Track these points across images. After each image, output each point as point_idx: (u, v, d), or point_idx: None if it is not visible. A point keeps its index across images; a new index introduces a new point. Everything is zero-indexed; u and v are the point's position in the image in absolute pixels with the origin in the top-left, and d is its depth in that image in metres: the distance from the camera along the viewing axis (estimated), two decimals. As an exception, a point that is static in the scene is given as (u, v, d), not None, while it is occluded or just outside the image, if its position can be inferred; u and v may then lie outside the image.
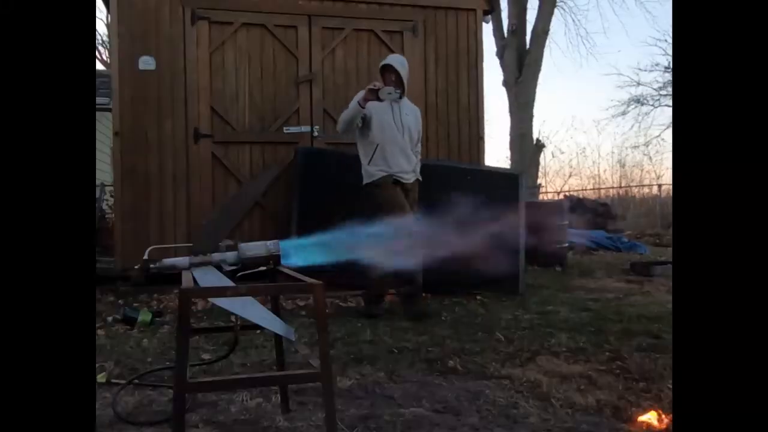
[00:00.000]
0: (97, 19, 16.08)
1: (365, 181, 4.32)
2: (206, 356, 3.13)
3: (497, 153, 31.21)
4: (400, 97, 4.24)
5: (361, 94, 4.17)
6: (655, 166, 23.98)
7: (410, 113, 4.41)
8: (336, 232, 2.01)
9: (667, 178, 16.76)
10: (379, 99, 4.12)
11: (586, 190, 18.27)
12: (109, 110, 5.67)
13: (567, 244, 7.61)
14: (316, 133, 5.40)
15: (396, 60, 4.39)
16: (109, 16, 5.41)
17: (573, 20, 25.39)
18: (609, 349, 3.26)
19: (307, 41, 5.42)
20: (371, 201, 4.19)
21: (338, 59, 5.53)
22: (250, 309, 1.88)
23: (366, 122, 4.29)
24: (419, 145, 4.56)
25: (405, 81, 4.32)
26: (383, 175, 4.26)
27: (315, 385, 2.38)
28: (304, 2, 5.43)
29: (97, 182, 8.20)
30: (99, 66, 16.05)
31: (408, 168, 4.34)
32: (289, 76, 5.41)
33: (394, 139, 4.27)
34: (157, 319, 4.08)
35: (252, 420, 2.27)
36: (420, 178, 4.46)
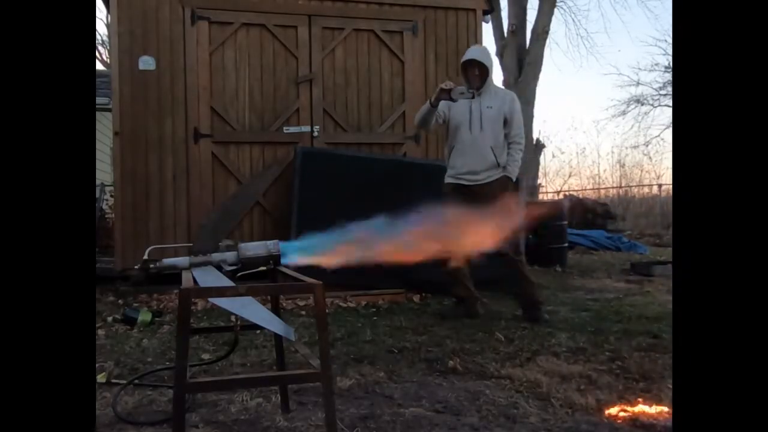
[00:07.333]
0: (97, 19, 16.08)
1: None
2: (206, 356, 3.13)
3: (497, 153, 31.07)
4: (473, 97, 3.98)
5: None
6: (655, 166, 23.99)
7: (494, 104, 4.09)
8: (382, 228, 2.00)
9: (667, 178, 16.75)
10: (451, 99, 3.91)
11: (586, 190, 18.27)
12: (109, 110, 5.66)
13: (567, 244, 7.61)
14: (316, 133, 5.40)
15: (477, 53, 4.11)
16: (109, 16, 5.41)
17: (573, 20, 25.36)
18: (609, 349, 3.26)
19: (307, 41, 5.42)
20: None
21: (338, 59, 5.52)
22: (250, 309, 1.88)
23: (447, 126, 4.19)
24: (516, 135, 4.15)
25: (491, 70, 4.08)
26: (446, 183, 4.17)
27: (315, 385, 2.38)
28: (304, 2, 5.43)
29: (97, 182, 8.20)
30: (99, 66, 16.05)
31: (478, 167, 4.06)
32: (289, 76, 5.41)
33: (465, 139, 4.08)
34: (157, 319, 4.08)
35: (252, 420, 2.27)
36: (510, 176, 4.10)
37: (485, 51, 4.18)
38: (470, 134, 4.08)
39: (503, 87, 4.39)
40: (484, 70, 4.08)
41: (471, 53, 4.13)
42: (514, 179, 4.14)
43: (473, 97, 4.00)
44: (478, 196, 3.98)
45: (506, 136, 4.15)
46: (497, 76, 14.30)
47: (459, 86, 3.96)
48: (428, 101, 4.06)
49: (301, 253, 2.00)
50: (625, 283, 6.00)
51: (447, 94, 3.90)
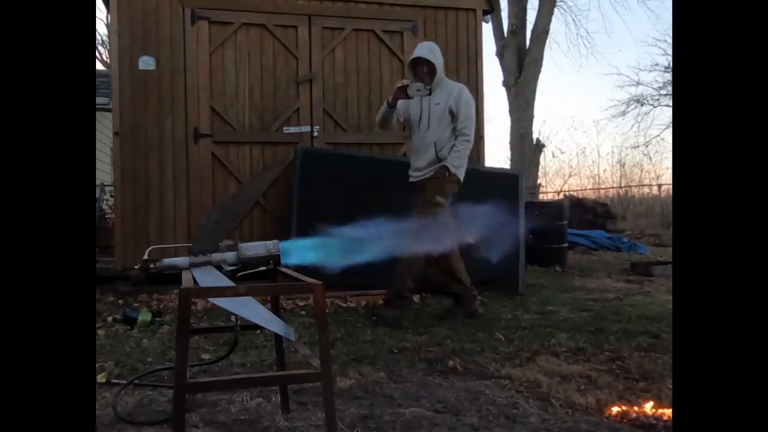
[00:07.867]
0: (97, 19, 16.09)
1: None
2: (206, 356, 3.13)
3: (497, 153, 31.22)
4: (430, 93, 3.96)
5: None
6: (655, 166, 23.97)
7: (441, 99, 4.05)
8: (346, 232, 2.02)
9: (667, 178, 16.76)
10: (408, 96, 3.92)
11: (586, 190, 18.27)
12: (109, 110, 5.66)
13: (567, 244, 7.61)
14: (316, 133, 5.40)
15: (423, 50, 4.06)
16: (109, 16, 5.40)
17: (573, 20, 25.45)
18: (609, 349, 3.26)
19: (307, 41, 5.42)
20: None
21: (338, 59, 5.52)
22: (250, 309, 1.88)
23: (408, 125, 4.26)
24: (463, 127, 4.04)
25: (438, 67, 4.03)
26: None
27: (315, 385, 2.38)
28: (304, 2, 5.43)
29: (97, 182, 8.20)
30: (99, 66, 16.06)
31: (421, 164, 4.11)
32: (289, 76, 5.41)
33: (415, 137, 4.19)
34: (157, 319, 4.08)
35: (252, 420, 2.27)
36: (449, 166, 3.98)
37: (432, 48, 4.13)
38: (419, 132, 4.16)
39: (455, 82, 4.34)
40: (432, 68, 4.05)
41: (417, 51, 4.10)
42: (452, 170, 4.01)
43: (430, 94, 3.98)
44: (418, 191, 4.11)
45: (454, 129, 4.09)
46: (497, 76, 14.31)
47: (416, 83, 3.94)
48: (386, 102, 4.10)
49: (300, 253, 2.01)
50: (625, 283, 6.00)
51: (403, 92, 3.91)
